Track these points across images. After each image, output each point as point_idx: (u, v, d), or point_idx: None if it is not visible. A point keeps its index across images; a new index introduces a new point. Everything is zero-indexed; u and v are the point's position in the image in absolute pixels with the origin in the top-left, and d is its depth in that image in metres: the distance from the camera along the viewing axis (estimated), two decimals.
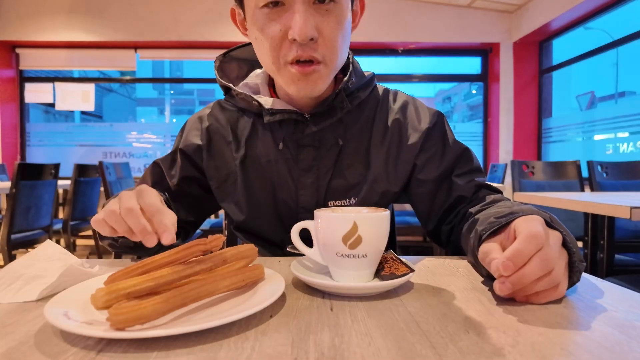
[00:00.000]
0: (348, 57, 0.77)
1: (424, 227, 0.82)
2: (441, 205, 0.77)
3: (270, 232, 0.81)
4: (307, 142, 0.75)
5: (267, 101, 0.75)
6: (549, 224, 0.48)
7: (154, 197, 0.52)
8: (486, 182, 0.76)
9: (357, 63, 0.78)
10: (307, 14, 0.61)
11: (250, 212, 0.79)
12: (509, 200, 0.69)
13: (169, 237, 0.48)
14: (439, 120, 0.79)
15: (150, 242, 0.49)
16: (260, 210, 0.78)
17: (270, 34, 0.63)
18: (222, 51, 0.83)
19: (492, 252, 0.48)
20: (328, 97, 0.73)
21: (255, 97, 0.74)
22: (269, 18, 0.63)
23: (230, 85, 0.77)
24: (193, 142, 0.80)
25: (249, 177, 0.78)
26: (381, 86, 0.84)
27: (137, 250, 0.73)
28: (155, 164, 0.83)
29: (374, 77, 0.81)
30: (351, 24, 0.70)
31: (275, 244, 0.82)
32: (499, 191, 0.75)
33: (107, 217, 0.51)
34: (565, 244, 0.47)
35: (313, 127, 0.73)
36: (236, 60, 0.83)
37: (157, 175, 0.83)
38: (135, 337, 0.34)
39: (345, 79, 0.73)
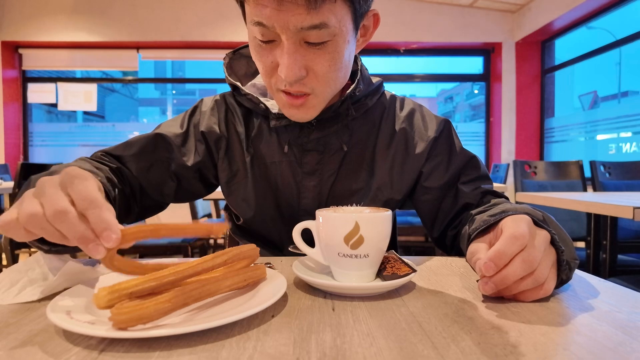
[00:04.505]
0: (356, 63, 0.76)
1: (429, 233, 0.82)
2: (447, 213, 0.76)
3: (272, 233, 0.81)
4: (311, 146, 0.75)
5: (274, 105, 0.75)
6: (538, 223, 0.48)
7: (89, 187, 0.40)
8: (492, 189, 0.75)
9: (366, 69, 0.78)
10: (295, 54, 0.59)
11: (257, 210, 0.78)
12: (511, 203, 0.68)
13: (111, 238, 0.38)
14: (445, 129, 0.78)
15: (96, 252, 0.38)
16: (265, 210, 0.79)
17: (262, 63, 0.63)
18: (224, 51, 0.82)
19: (478, 252, 0.49)
20: (334, 104, 0.73)
21: (262, 100, 0.74)
22: (262, 48, 0.62)
23: (238, 84, 0.76)
24: (214, 130, 0.78)
25: (256, 176, 0.78)
26: (388, 92, 0.84)
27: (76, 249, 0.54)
28: (161, 137, 0.76)
29: (381, 84, 0.80)
30: (356, 44, 0.67)
31: (276, 246, 0.82)
32: (504, 197, 0.75)
33: (27, 222, 0.38)
34: (553, 242, 0.47)
35: (318, 132, 0.74)
36: (246, 57, 0.82)
37: (155, 146, 0.75)
38: (137, 337, 0.34)
39: (353, 87, 0.72)
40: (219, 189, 0.84)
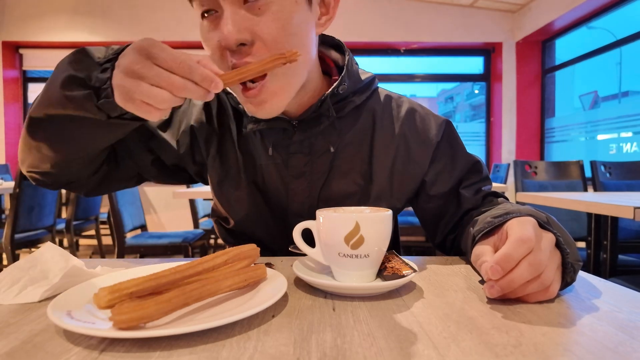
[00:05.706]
0: (344, 56, 0.72)
1: (430, 239, 0.80)
2: (450, 219, 0.74)
3: (264, 236, 0.77)
4: (295, 149, 0.70)
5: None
6: (543, 225, 0.48)
7: (173, 52, 0.50)
8: (492, 190, 0.74)
9: (356, 65, 0.72)
10: (234, 15, 0.54)
11: (250, 211, 0.75)
12: (511, 203, 0.68)
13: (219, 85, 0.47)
14: (447, 131, 0.75)
15: (217, 87, 0.48)
16: (257, 211, 0.76)
17: (210, 47, 0.58)
18: None
19: (483, 254, 0.49)
20: (313, 105, 0.67)
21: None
22: (209, 28, 0.58)
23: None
24: (206, 125, 0.74)
25: (247, 177, 0.75)
26: (383, 90, 0.79)
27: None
28: None
29: (373, 80, 0.75)
30: (311, 20, 0.62)
31: (269, 250, 0.78)
32: (504, 197, 0.74)
33: (177, 67, 0.50)
34: (558, 245, 0.47)
35: (300, 134, 0.69)
36: None
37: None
38: (137, 337, 0.34)
39: (335, 84, 0.66)
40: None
